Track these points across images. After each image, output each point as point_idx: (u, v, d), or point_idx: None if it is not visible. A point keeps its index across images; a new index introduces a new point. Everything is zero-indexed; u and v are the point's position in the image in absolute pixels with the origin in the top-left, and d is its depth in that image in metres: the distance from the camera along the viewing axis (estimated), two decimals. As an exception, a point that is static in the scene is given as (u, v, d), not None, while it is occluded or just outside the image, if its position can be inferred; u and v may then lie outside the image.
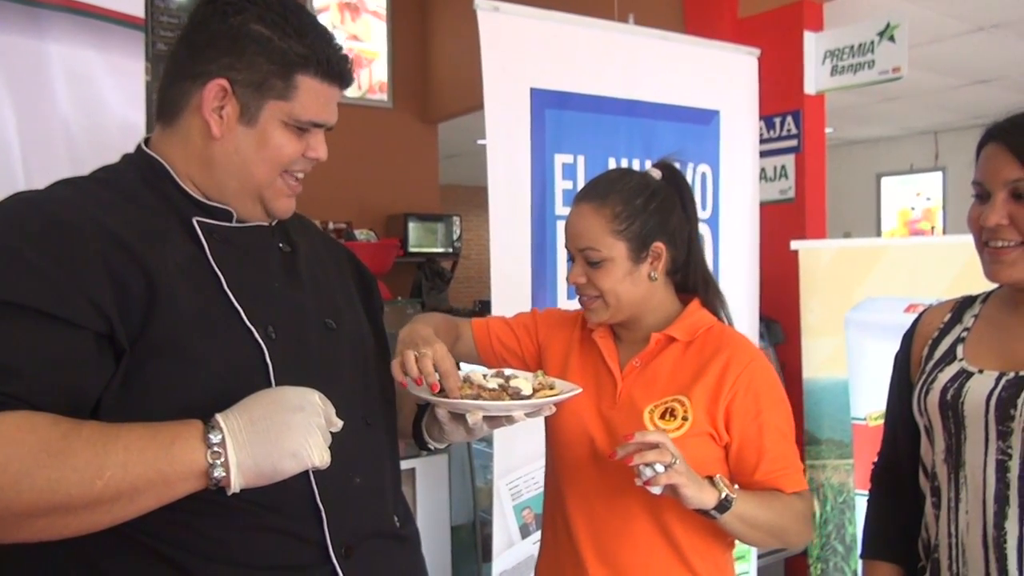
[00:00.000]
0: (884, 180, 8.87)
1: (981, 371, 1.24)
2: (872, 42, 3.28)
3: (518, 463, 2.28)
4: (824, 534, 2.91)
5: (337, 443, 0.94)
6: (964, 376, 1.25)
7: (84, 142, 1.57)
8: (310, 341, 1.06)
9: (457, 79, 5.39)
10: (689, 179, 2.54)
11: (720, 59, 2.70)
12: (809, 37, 3.44)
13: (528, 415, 1.13)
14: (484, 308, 4.70)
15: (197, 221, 1.02)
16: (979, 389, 1.22)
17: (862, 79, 3.34)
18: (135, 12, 1.64)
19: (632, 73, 2.47)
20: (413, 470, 2.45)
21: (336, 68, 1.05)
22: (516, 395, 1.13)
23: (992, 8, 4.30)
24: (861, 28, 3.31)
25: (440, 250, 5.83)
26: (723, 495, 1.23)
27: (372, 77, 5.46)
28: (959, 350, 1.30)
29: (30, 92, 1.51)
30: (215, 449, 0.86)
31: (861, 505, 2.81)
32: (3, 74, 1.48)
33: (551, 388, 1.19)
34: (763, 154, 3.07)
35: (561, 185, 2.33)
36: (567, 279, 1.44)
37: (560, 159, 2.33)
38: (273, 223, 1.12)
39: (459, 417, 1.13)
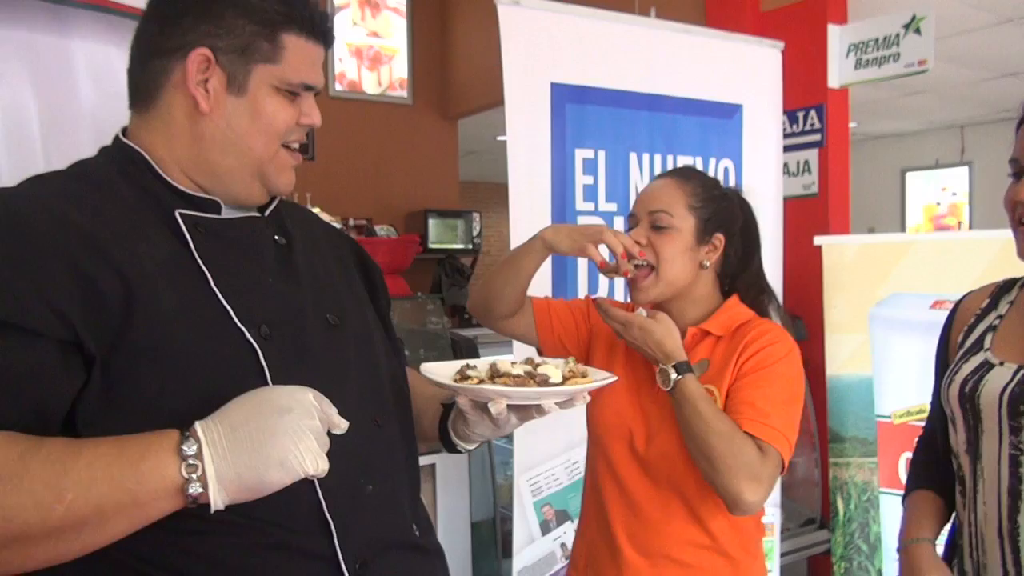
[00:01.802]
0: (909, 175, 8.76)
1: (1002, 363, 1.24)
2: (897, 35, 3.23)
3: (539, 460, 2.28)
4: (848, 532, 2.88)
5: (345, 448, 0.86)
6: (985, 368, 1.25)
7: (107, 139, 1.58)
8: (310, 339, 0.98)
9: (477, 75, 5.38)
10: (711, 174, 2.54)
11: (743, 52, 2.68)
12: (833, 30, 3.39)
13: (560, 405, 1.02)
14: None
15: (180, 214, 0.93)
16: (996, 382, 1.22)
17: (887, 72, 3.28)
18: (157, 9, 1.65)
19: (654, 67, 2.45)
20: (433, 466, 2.45)
21: (320, 26, 0.98)
22: (544, 383, 1.02)
23: (1021, -1, 4.23)
24: (886, 20, 3.26)
25: (460, 246, 5.84)
26: (685, 360, 1.30)
27: (392, 74, 5.47)
28: (987, 339, 1.29)
29: (55, 89, 1.52)
30: (191, 462, 0.77)
31: (885, 503, 2.79)
32: (28, 71, 1.49)
33: (583, 376, 1.07)
34: (786, 149, 3.04)
35: (582, 180, 2.32)
36: (628, 243, 1.40)
37: (581, 154, 2.32)
38: (267, 214, 1.04)
39: (483, 407, 1.02)
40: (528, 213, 2.22)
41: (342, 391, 0.93)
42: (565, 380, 1.04)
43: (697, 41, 2.59)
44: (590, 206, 2.35)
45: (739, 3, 3.56)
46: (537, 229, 2.23)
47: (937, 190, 8.56)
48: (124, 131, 0.99)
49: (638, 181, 2.43)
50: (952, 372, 1.30)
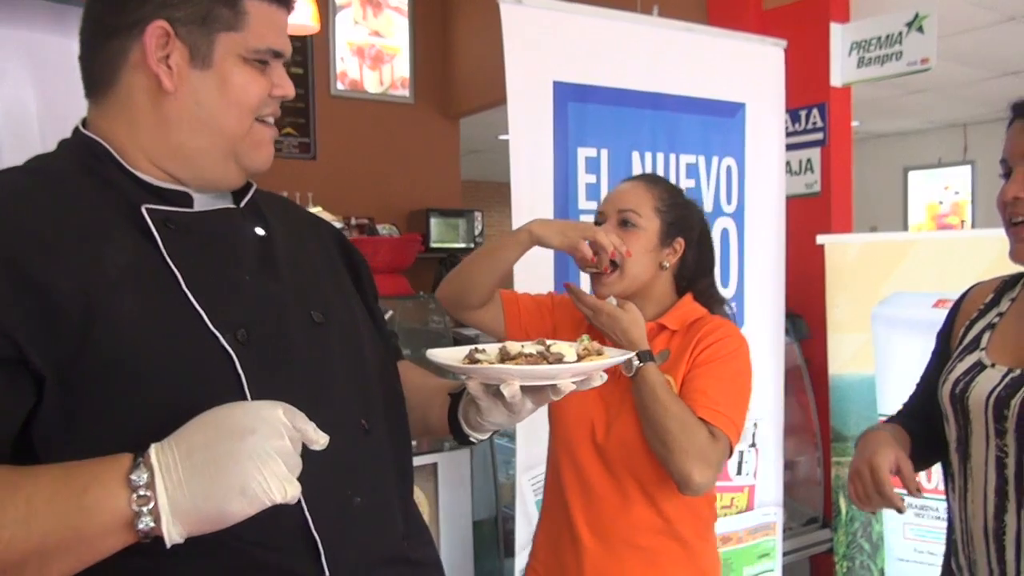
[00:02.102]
0: (911, 174, 8.75)
1: (994, 365, 1.25)
2: (900, 33, 3.23)
3: (541, 459, 2.26)
4: (850, 532, 2.88)
5: (331, 457, 0.79)
6: (977, 369, 1.26)
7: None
8: (292, 340, 0.90)
9: (479, 74, 5.38)
10: (714, 173, 2.56)
11: (746, 51, 2.67)
12: (835, 28, 3.38)
13: (578, 384, 0.96)
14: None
15: (147, 210, 0.85)
16: (985, 385, 1.23)
17: (890, 71, 3.28)
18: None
19: (656, 66, 2.45)
20: (435, 465, 2.45)
21: None
22: (559, 361, 0.96)
23: (1024, -3, 4.22)
24: (888, 19, 3.25)
25: (462, 245, 5.83)
26: (648, 349, 1.39)
27: (394, 73, 5.46)
28: (984, 338, 1.30)
29: (57, 87, 1.52)
30: (141, 492, 0.69)
31: (888, 503, 2.79)
32: (30, 70, 1.49)
33: (599, 354, 1.01)
34: (788, 147, 3.04)
35: (584, 179, 2.32)
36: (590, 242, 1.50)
37: (583, 153, 2.32)
38: (243, 204, 0.97)
39: (496, 392, 0.94)
40: (530, 212, 2.21)
41: (326, 395, 0.89)
42: (580, 359, 0.98)
43: (699, 40, 2.59)
44: (592, 205, 2.35)
45: (741, 1, 3.56)
46: (539, 228, 2.25)
47: (940, 189, 8.55)
48: (84, 122, 0.92)
49: (640, 180, 2.43)
50: (948, 370, 1.31)
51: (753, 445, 2.65)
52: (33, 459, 0.76)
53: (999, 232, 1.28)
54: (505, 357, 0.97)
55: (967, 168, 8.27)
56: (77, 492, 0.69)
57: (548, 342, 1.01)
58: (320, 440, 0.76)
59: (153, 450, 0.71)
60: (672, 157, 2.48)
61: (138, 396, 0.78)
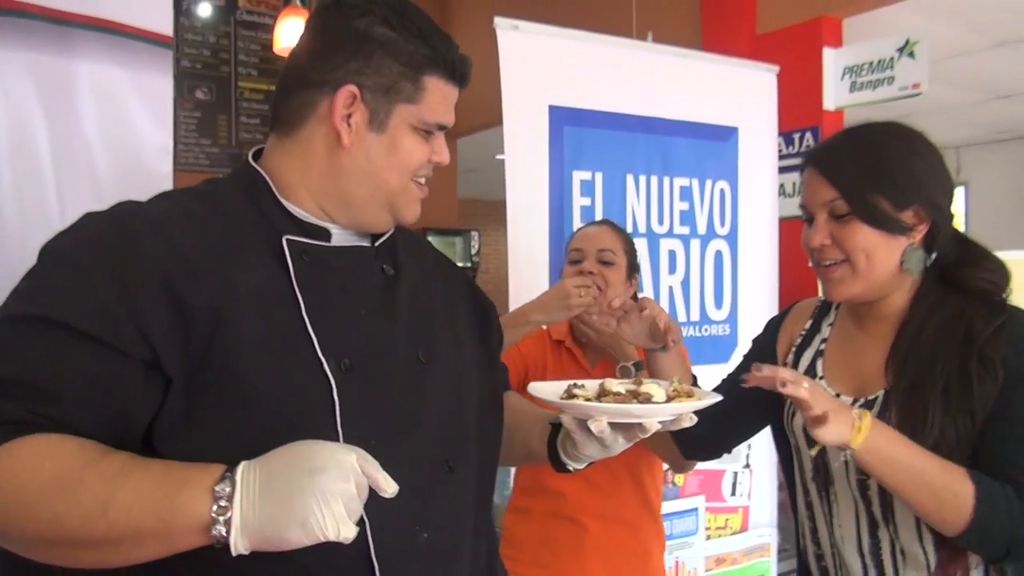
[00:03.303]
0: (905, 196, 8.79)
1: (839, 395, 1.27)
2: (892, 58, 3.27)
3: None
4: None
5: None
6: None
7: (111, 159, 1.60)
8: (394, 375, 0.97)
9: (476, 94, 5.36)
10: (708, 196, 2.60)
11: (739, 76, 2.71)
12: (828, 53, 3.43)
13: (665, 424, 0.99)
14: (502, 323, 4.68)
15: (287, 240, 0.95)
16: None
17: (882, 95, 3.33)
18: (163, 31, 1.67)
19: (651, 90, 2.48)
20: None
21: (460, 69, 1.02)
22: (647, 401, 1.00)
23: (1013, 23, 4.28)
24: (880, 44, 3.30)
25: (459, 265, 5.85)
26: (638, 360, 1.73)
27: (392, 93, 5.51)
28: (819, 366, 1.34)
29: (60, 109, 1.54)
30: (222, 503, 0.78)
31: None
32: (35, 92, 1.51)
33: (689, 396, 1.04)
34: (782, 170, 3.07)
35: (579, 202, 2.34)
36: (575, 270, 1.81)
37: (578, 176, 2.34)
38: (378, 244, 1.06)
39: (587, 427, 0.99)
40: (526, 235, 2.24)
41: (415, 429, 0.95)
42: (669, 399, 1.02)
43: (694, 65, 2.62)
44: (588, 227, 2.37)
45: (735, 27, 3.61)
46: (536, 248, 2.28)
47: (933, 211, 8.59)
48: (257, 152, 1.04)
49: (634, 203, 2.45)
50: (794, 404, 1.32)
51: (747, 466, 2.65)
52: (151, 451, 0.86)
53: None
54: (602, 394, 1.02)
55: (960, 189, 8.31)
56: (172, 490, 0.79)
57: (643, 381, 1.07)
58: (389, 489, 0.81)
59: (241, 467, 0.80)
60: (666, 180, 2.50)
61: (245, 409, 0.86)
